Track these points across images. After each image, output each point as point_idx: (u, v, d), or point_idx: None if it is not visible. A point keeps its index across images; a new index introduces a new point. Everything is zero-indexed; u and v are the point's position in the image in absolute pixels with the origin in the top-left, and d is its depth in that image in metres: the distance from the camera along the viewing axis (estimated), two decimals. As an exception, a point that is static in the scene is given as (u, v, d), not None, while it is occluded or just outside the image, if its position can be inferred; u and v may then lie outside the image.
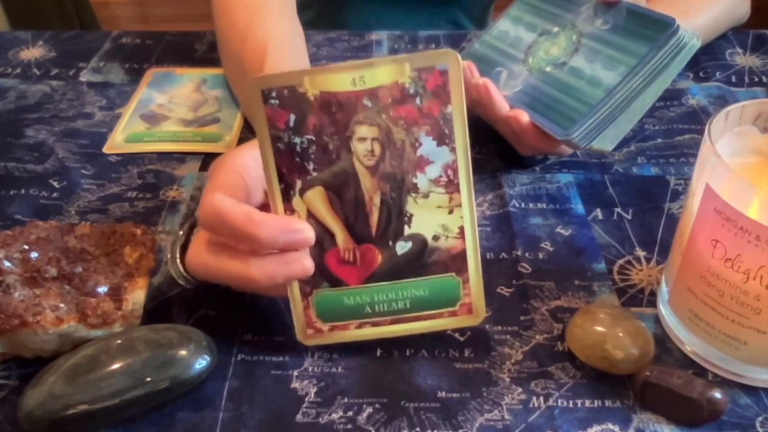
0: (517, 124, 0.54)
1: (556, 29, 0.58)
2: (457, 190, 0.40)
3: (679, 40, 0.51)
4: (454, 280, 0.42)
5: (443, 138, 0.40)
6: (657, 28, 0.51)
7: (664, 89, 0.53)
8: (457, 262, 0.42)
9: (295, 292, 0.42)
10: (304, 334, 0.43)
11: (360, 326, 0.43)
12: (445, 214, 0.41)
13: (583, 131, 0.52)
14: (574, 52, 0.55)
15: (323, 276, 0.41)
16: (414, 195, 0.40)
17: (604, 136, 0.53)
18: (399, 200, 0.40)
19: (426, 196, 0.40)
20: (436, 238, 0.41)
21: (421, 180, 0.40)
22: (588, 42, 0.55)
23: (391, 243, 0.41)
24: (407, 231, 0.41)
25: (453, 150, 0.40)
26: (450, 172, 0.40)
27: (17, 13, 1.63)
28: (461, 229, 0.41)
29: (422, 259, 0.41)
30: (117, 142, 0.62)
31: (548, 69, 0.56)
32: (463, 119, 0.39)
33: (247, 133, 0.63)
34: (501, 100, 0.55)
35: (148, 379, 0.39)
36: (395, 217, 0.41)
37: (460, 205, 0.41)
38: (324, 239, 0.41)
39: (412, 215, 0.41)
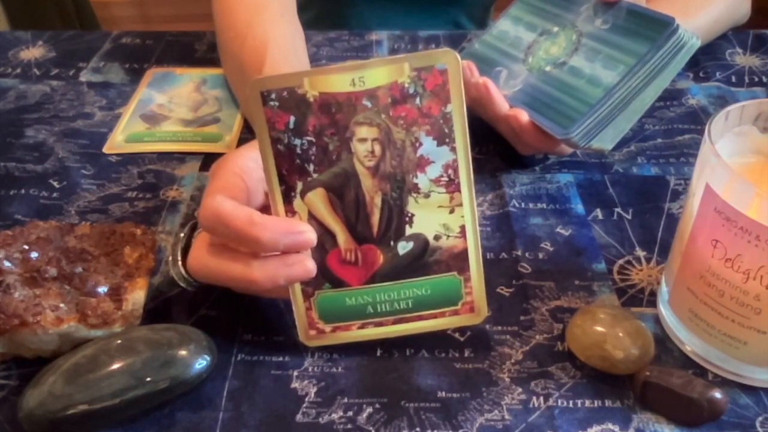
0: (517, 123, 0.54)
1: (556, 29, 0.58)
2: (458, 189, 0.40)
3: (679, 40, 0.51)
4: (456, 279, 0.42)
5: (443, 137, 0.40)
6: (656, 28, 0.51)
7: (663, 89, 0.53)
8: (458, 261, 0.42)
9: (297, 294, 0.42)
10: (306, 335, 0.43)
11: (362, 326, 0.43)
12: (446, 213, 0.41)
13: (583, 130, 0.52)
14: (573, 52, 0.55)
15: (325, 277, 0.41)
16: (415, 195, 0.40)
17: (604, 135, 0.53)
18: (400, 200, 0.40)
19: (427, 195, 0.40)
20: (437, 237, 0.41)
21: (422, 180, 0.40)
22: (588, 41, 0.55)
23: (392, 243, 0.41)
24: (408, 231, 0.41)
25: (453, 149, 0.40)
26: (450, 171, 0.40)
27: (17, 13, 1.63)
28: (462, 228, 0.41)
29: (424, 259, 0.42)
30: (117, 142, 0.62)
31: (548, 68, 0.56)
32: (462, 118, 0.39)
33: (247, 133, 0.63)
34: (501, 99, 0.55)
35: (148, 379, 0.39)
36: (396, 217, 0.41)
37: (460, 205, 0.41)
38: (325, 240, 0.41)
39: (413, 215, 0.41)
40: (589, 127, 0.52)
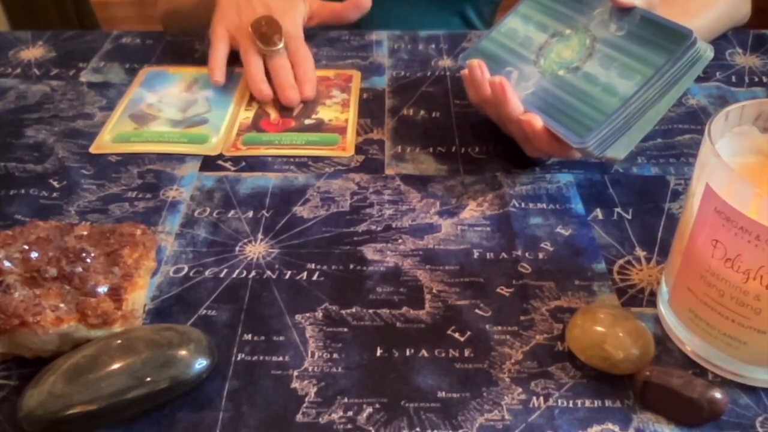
0: (531, 129, 0.53)
1: (568, 31, 0.57)
2: (347, 104, 0.67)
3: (696, 52, 0.50)
4: (337, 135, 0.63)
5: None
6: (674, 39, 0.51)
7: (676, 99, 0.53)
8: (340, 129, 0.64)
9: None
10: (227, 150, 0.61)
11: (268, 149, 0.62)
12: (339, 113, 0.66)
13: (599, 140, 0.51)
14: (587, 57, 0.55)
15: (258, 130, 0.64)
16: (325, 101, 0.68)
17: (618, 144, 0.52)
18: (315, 105, 0.67)
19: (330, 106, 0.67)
20: (330, 120, 0.65)
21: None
22: (602, 47, 0.55)
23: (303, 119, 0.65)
24: (314, 115, 0.66)
25: None
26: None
27: (17, 13, 1.63)
28: (346, 120, 0.65)
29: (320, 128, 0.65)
30: (104, 142, 0.62)
31: (561, 73, 0.55)
32: None
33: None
34: (516, 100, 0.54)
35: (148, 379, 0.39)
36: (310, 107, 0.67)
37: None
38: (262, 115, 0.66)
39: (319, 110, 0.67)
40: (605, 136, 0.51)
